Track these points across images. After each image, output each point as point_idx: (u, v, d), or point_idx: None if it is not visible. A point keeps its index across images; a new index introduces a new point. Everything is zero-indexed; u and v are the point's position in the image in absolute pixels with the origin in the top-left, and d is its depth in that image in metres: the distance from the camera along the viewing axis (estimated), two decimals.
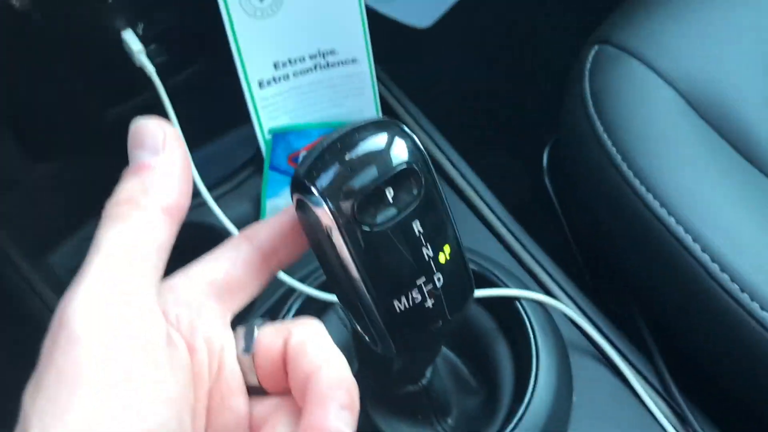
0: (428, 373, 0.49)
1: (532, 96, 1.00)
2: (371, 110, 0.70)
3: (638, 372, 0.52)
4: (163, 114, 0.59)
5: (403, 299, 0.37)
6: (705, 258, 0.47)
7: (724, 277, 0.46)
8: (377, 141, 0.35)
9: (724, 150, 0.55)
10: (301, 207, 0.36)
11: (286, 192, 0.68)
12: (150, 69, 0.57)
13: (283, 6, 0.64)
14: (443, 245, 0.38)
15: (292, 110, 0.68)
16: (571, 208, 0.73)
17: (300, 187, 0.35)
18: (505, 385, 0.51)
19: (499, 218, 0.60)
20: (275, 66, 0.65)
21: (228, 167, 0.84)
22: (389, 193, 0.35)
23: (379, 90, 0.72)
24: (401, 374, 0.47)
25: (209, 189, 0.71)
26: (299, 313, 0.54)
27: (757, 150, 0.54)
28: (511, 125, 1.04)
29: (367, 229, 0.35)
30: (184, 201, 0.31)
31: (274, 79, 0.66)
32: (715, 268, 0.47)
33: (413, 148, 0.36)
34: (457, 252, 0.39)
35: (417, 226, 0.36)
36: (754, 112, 0.55)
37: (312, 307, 0.55)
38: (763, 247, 0.48)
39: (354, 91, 0.69)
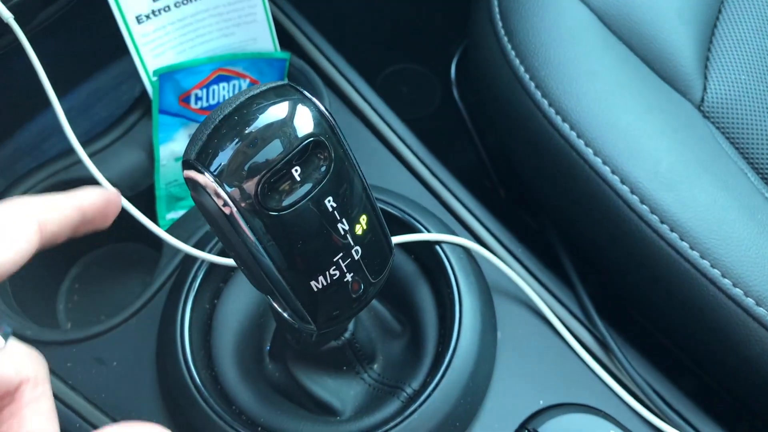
0: (351, 326, 0.48)
1: (439, 5, 0.96)
2: (266, 38, 0.64)
3: (557, 300, 0.52)
4: (25, 60, 0.52)
5: (321, 279, 0.35)
6: (624, 190, 0.46)
7: (644, 209, 0.46)
8: (277, 111, 0.31)
9: (638, 68, 0.53)
10: (195, 189, 0.32)
11: (181, 135, 0.63)
12: (5, 13, 0.50)
13: None
14: (359, 216, 0.35)
15: (178, 44, 0.61)
16: (482, 123, 0.71)
17: (192, 168, 0.31)
18: (428, 328, 0.50)
19: (416, 155, 0.58)
20: None
21: (114, 106, 0.77)
22: (295, 171, 0.32)
23: (272, 12, 0.66)
24: (323, 336, 0.46)
25: (96, 136, 0.65)
26: (205, 280, 0.51)
27: (670, 66, 0.53)
28: (418, 37, 1.00)
29: (273, 213, 0.31)
30: None
31: (153, 13, 0.59)
32: (635, 199, 0.46)
33: (318, 116, 0.32)
34: (374, 219, 0.36)
35: (329, 202, 0.33)
36: (666, 26, 0.53)
37: (218, 272, 0.52)
38: (680, 173, 0.47)
39: (245, 18, 0.63)
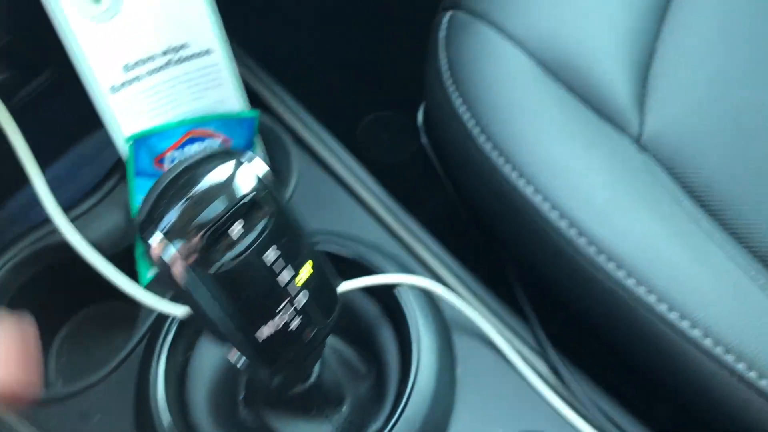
0: (316, 370, 0.50)
1: (404, 56, 1.00)
2: (234, 100, 0.68)
3: (515, 334, 0.54)
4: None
5: (270, 324, 0.37)
6: (563, 225, 0.49)
7: (582, 241, 0.49)
8: (218, 174, 0.35)
9: (577, 108, 0.56)
10: (147, 249, 0.35)
11: None
12: None
13: (122, 6, 0.60)
14: (302, 264, 0.38)
15: (151, 110, 0.65)
16: (447, 171, 0.74)
17: (141, 230, 0.35)
18: (391, 368, 0.53)
19: (382, 202, 0.61)
20: (125, 68, 0.62)
21: (98, 171, 0.81)
22: (237, 226, 0.35)
23: (243, 75, 0.70)
24: (289, 379, 0.48)
25: (78, 201, 0.68)
26: (178, 333, 0.54)
27: (607, 105, 0.56)
28: (393, 86, 1.04)
29: (218, 266, 0.34)
30: None
31: (127, 82, 0.63)
32: (573, 233, 0.49)
33: (256, 177, 0.35)
34: (318, 266, 0.39)
35: (272, 254, 0.36)
36: (602, 69, 0.56)
37: (192, 323, 0.55)
38: (615, 205, 0.50)
39: (212, 83, 0.67)
